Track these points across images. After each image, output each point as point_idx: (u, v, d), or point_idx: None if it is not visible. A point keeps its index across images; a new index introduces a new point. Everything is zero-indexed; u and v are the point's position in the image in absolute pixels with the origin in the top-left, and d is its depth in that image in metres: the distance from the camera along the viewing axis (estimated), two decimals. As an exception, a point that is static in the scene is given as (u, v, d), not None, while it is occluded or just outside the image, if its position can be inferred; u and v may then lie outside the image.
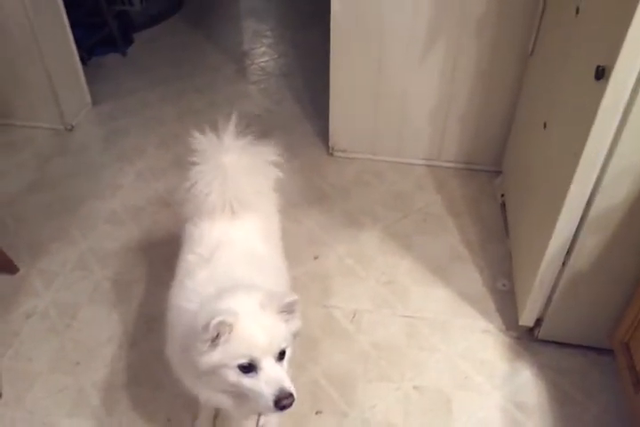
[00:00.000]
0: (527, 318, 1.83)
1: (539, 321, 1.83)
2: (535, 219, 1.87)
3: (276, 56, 3.67)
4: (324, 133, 2.79)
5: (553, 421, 1.65)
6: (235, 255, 1.44)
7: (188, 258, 1.45)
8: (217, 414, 1.65)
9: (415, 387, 1.75)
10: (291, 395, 1.11)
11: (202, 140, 1.58)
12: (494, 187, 2.51)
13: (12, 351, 1.86)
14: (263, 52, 3.72)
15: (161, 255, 2.18)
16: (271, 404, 1.10)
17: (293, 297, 1.18)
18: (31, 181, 2.58)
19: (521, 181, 2.17)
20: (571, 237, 1.62)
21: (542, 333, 1.83)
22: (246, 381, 1.12)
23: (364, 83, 2.50)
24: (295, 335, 1.23)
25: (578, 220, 1.58)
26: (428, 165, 2.67)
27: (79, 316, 1.97)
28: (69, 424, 1.66)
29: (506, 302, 2.00)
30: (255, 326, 1.13)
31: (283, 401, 1.10)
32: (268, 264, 1.51)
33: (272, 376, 1.12)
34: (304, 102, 3.15)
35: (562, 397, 1.72)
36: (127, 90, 3.25)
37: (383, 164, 2.69)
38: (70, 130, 2.90)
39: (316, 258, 2.21)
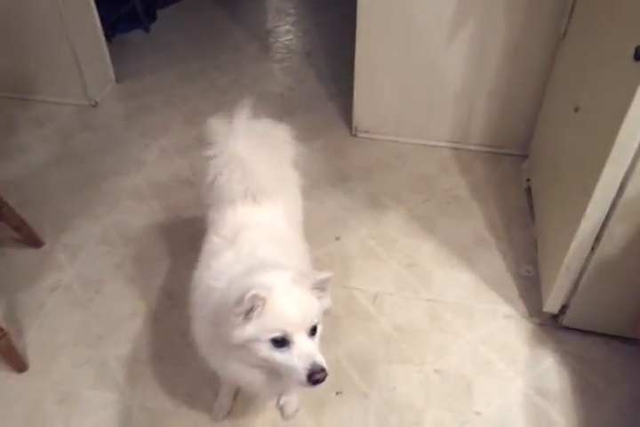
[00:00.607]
0: (552, 305, 1.81)
1: (563, 308, 1.81)
2: (563, 204, 1.84)
3: (299, 34, 3.63)
4: (347, 114, 2.76)
5: (574, 408, 1.64)
6: (258, 237, 1.44)
7: (213, 240, 1.46)
8: (237, 393, 1.67)
9: (436, 370, 1.74)
10: (323, 369, 1.11)
11: (215, 131, 1.57)
12: (520, 171, 2.47)
13: (38, 324, 1.88)
14: (287, 30, 3.68)
15: (183, 232, 2.19)
16: (304, 378, 1.10)
17: (326, 275, 1.18)
18: (55, 156, 2.59)
19: (549, 166, 2.13)
20: (601, 223, 1.59)
21: (566, 320, 1.81)
22: (278, 355, 1.13)
23: (390, 62, 2.46)
24: (326, 313, 1.22)
25: (609, 205, 1.54)
26: (453, 148, 2.64)
27: (102, 290, 1.99)
28: (93, 396, 1.69)
29: (529, 288, 1.98)
30: (288, 301, 1.13)
31: (316, 375, 1.10)
32: (290, 246, 1.50)
33: (304, 351, 1.12)
34: (327, 82, 3.12)
35: (584, 384, 1.70)
36: (151, 67, 3.24)
37: (407, 145, 2.66)
38: (94, 106, 2.90)
39: (337, 239, 2.20)
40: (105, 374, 1.74)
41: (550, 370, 1.74)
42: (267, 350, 1.13)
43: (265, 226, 1.49)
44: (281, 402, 1.65)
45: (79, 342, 1.83)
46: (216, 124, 1.56)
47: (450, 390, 1.69)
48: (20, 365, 1.73)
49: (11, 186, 2.25)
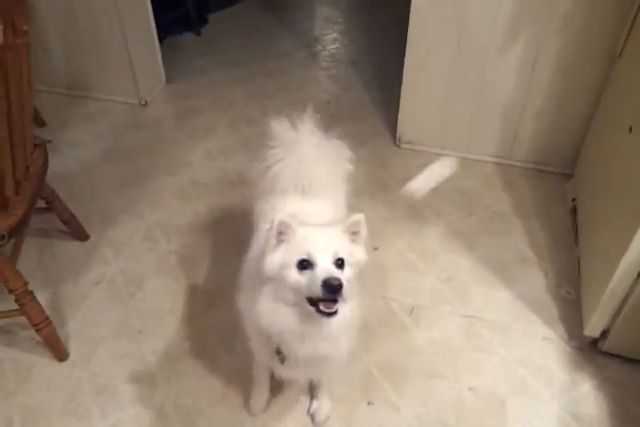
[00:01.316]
0: (593, 329, 1.78)
1: (604, 333, 1.77)
2: (611, 226, 1.80)
3: (346, 43, 3.65)
4: (391, 124, 2.77)
5: (611, 435, 1.61)
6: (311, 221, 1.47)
7: (264, 227, 1.48)
8: (270, 396, 1.68)
9: (470, 388, 1.73)
10: (337, 278, 1.13)
11: (279, 125, 1.62)
12: (565, 190, 2.44)
13: (80, 315, 1.93)
14: (334, 38, 3.70)
15: (225, 234, 2.22)
16: (320, 288, 1.13)
17: (358, 216, 1.25)
18: (105, 152, 2.66)
19: (597, 186, 2.09)
20: (650, 249, 1.56)
21: (607, 345, 1.78)
22: (302, 278, 1.18)
23: (439, 72, 2.46)
24: (359, 266, 1.26)
25: (660, 231, 1.52)
26: (498, 163, 2.61)
27: (144, 286, 2.03)
28: (130, 389, 1.72)
29: (569, 310, 1.95)
30: (315, 229, 1.24)
31: (329, 281, 1.13)
32: None
33: (324, 268, 1.16)
34: (372, 91, 3.13)
35: (622, 413, 1.66)
36: (200, 70, 3.29)
37: (451, 159, 2.65)
38: (144, 105, 2.97)
39: (375, 249, 2.20)
40: (142, 368, 1.78)
41: (587, 395, 1.71)
42: (294, 275, 1.18)
43: (315, 216, 1.51)
44: (312, 409, 1.66)
45: (119, 335, 1.87)
46: (283, 124, 1.62)
47: (483, 409, 1.68)
48: (61, 353, 1.78)
49: (62, 180, 2.32)
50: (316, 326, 1.24)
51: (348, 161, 1.68)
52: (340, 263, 1.20)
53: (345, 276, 1.18)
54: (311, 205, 1.56)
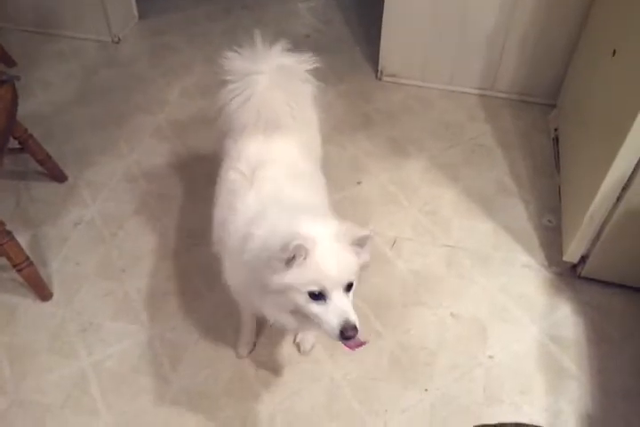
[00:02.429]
0: (572, 255, 1.80)
1: (583, 258, 1.80)
2: (591, 153, 1.79)
3: (327, -26, 3.48)
4: (372, 57, 2.69)
5: (588, 357, 1.65)
6: (277, 174, 1.43)
7: (230, 176, 1.45)
8: (258, 329, 1.70)
9: (452, 314, 1.76)
10: (355, 327, 1.14)
11: (234, 58, 1.55)
12: (548, 120, 2.41)
13: (62, 256, 1.92)
14: (314, -31, 3.53)
15: (204, 172, 2.19)
16: (337, 332, 1.13)
17: (367, 232, 1.19)
18: (78, 92, 2.57)
19: (579, 115, 2.06)
20: (629, 172, 1.55)
21: (586, 270, 1.81)
22: (315, 307, 1.15)
23: (420, 4, 2.37)
24: (363, 268, 1.23)
25: (639, 154, 1.50)
26: (481, 95, 2.57)
27: (125, 226, 2.01)
28: (114, 327, 1.74)
29: (550, 238, 1.96)
30: (330, 257, 1.14)
31: (348, 332, 1.13)
32: (310, 182, 1.49)
33: (340, 307, 1.14)
34: (353, 24, 3.02)
35: (599, 335, 1.71)
36: (174, 4, 3.15)
37: (433, 91, 2.60)
38: (117, 42, 2.85)
39: (358, 183, 2.19)
40: (126, 306, 1.79)
41: (566, 319, 1.75)
42: (303, 301, 1.15)
43: (281, 162, 1.48)
44: (298, 338, 1.69)
45: (102, 274, 1.87)
46: (240, 53, 1.54)
47: (464, 334, 1.71)
48: (44, 293, 1.78)
49: (35, 120, 2.25)
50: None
51: (312, 79, 1.59)
52: (349, 285, 1.17)
53: (351, 297, 1.18)
54: (278, 146, 1.50)
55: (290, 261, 1.12)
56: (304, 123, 1.59)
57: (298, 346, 1.68)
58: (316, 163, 1.63)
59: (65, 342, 1.70)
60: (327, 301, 1.14)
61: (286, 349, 1.69)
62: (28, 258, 1.71)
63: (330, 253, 1.14)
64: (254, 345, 1.69)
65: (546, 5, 2.23)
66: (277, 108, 1.51)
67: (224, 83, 1.55)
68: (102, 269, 1.89)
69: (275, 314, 1.25)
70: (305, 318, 1.21)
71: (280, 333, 1.69)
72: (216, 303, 1.78)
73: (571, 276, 1.85)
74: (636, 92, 1.45)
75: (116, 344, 1.69)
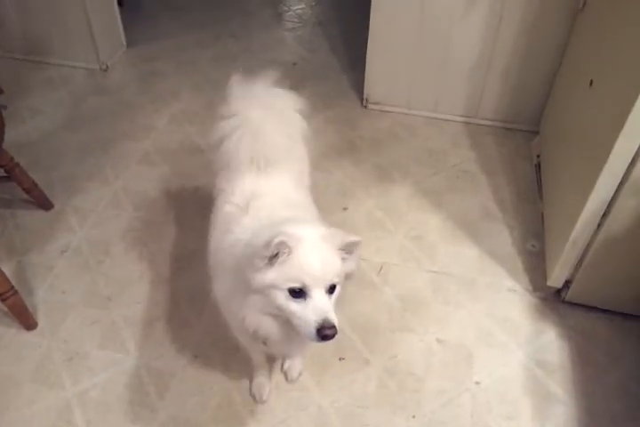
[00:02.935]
0: (556, 280, 1.82)
1: (567, 283, 1.82)
2: (572, 180, 1.83)
3: (312, 3, 3.58)
4: (358, 85, 2.74)
5: (574, 381, 1.66)
6: (272, 202, 1.44)
7: (226, 209, 1.46)
8: (271, 368, 1.69)
9: (438, 340, 1.77)
10: (333, 326, 1.13)
11: (233, 94, 1.56)
12: (531, 147, 2.46)
13: (47, 284, 1.91)
14: (299, -2, 3.63)
15: (191, 198, 2.21)
16: (313, 331, 1.12)
17: (356, 238, 1.19)
18: (66, 119, 2.59)
19: (559, 141, 2.11)
20: (609, 199, 1.59)
21: (570, 295, 1.83)
22: (294, 305, 1.14)
23: (404, 33, 2.43)
24: (348, 277, 1.24)
25: (618, 181, 1.54)
26: (465, 122, 2.62)
27: (111, 253, 2.01)
28: (101, 355, 1.72)
29: (534, 262, 1.99)
30: (313, 255, 1.14)
31: (325, 331, 1.12)
32: (304, 211, 1.51)
33: (319, 305, 1.13)
34: (339, 52, 3.09)
35: (585, 359, 1.72)
36: (162, 32, 3.21)
37: (418, 118, 2.65)
38: (105, 70, 2.89)
39: (345, 209, 2.21)
40: (113, 334, 1.78)
41: (551, 344, 1.76)
42: (283, 299, 1.14)
43: (275, 193, 1.50)
44: (285, 366, 1.69)
45: (88, 302, 1.86)
46: (236, 88, 1.56)
47: (451, 360, 1.72)
48: (29, 322, 1.76)
49: (22, 148, 2.27)
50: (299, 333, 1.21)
51: (302, 116, 1.62)
52: (332, 287, 1.17)
53: (333, 300, 1.17)
54: (271, 181, 1.52)
55: (272, 259, 1.12)
56: (295, 156, 1.61)
57: (285, 374, 1.68)
58: (308, 193, 1.65)
59: (50, 372, 1.68)
60: (307, 299, 1.14)
61: (274, 376, 1.68)
62: (12, 287, 1.70)
63: (313, 251, 1.14)
64: (270, 387, 1.65)
65: (526, 37, 2.30)
66: (271, 148, 1.52)
67: (217, 119, 1.56)
68: (88, 297, 1.88)
69: (256, 319, 1.23)
70: (287, 325, 1.20)
71: (268, 360, 1.68)
72: (204, 330, 1.77)
73: (555, 300, 1.87)
74: (613, 122, 1.49)
75: (101, 373, 1.68)
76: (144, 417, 1.59)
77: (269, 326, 1.23)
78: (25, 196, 2.09)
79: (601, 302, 1.83)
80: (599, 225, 1.65)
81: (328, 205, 2.20)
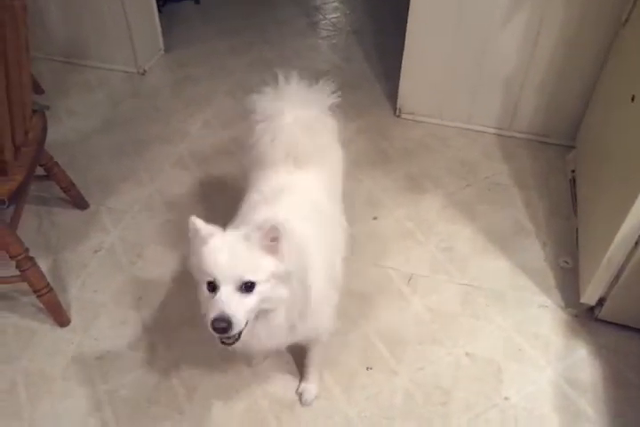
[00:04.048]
0: (589, 297, 1.79)
1: (601, 301, 1.79)
2: (610, 196, 1.81)
3: (347, 12, 3.60)
4: (391, 94, 2.74)
5: (606, 401, 1.64)
6: (296, 201, 1.47)
7: (253, 197, 1.49)
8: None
9: (467, 353, 1.75)
10: (225, 321, 1.12)
11: (265, 97, 1.60)
12: (565, 162, 2.43)
13: (80, 282, 1.94)
14: (335, 7, 3.65)
15: (223, 202, 2.21)
16: (209, 324, 1.13)
17: (271, 223, 1.16)
18: (104, 121, 2.64)
19: (597, 157, 2.09)
20: (648, 218, 1.56)
21: (603, 313, 1.80)
22: (206, 298, 1.18)
23: (441, 44, 2.43)
24: (289, 278, 1.20)
25: (658, 200, 1.52)
26: (498, 134, 2.60)
27: (144, 254, 2.04)
28: (130, 355, 1.74)
29: (567, 279, 1.96)
30: (222, 250, 1.16)
31: (215, 323, 1.12)
32: (327, 218, 1.53)
33: (220, 299, 1.14)
34: (373, 61, 3.09)
35: (618, 378, 1.69)
36: (198, 38, 3.25)
37: (451, 129, 2.64)
38: (143, 74, 2.94)
39: (374, 219, 2.21)
40: (142, 334, 1.80)
41: (583, 362, 1.73)
42: (205, 291, 1.18)
43: (304, 192, 1.52)
44: (300, 389, 1.67)
45: (119, 302, 1.89)
46: (267, 91, 1.60)
47: (479, 374, 1.70)
48: (63, 319, 1.80)
49: (60, 148, 2.30)
50: (259, 324, 1.23)
51: (337, 116, 1.66)
52: (248, 285, 1.15)
53: (253, 300, 1.15)
54: (303, 178, 1.54)
55: (191, 244, 1.19)
56: (328, 159, 1.63)
57: (300, 396, 1.65)
58: (337, 199, 1.66)
59: (81, 369, 1.70)
60: (217, 293, 1.15)
61: (290, 396, 1.67)
62: (48, 284, 1.73)
63: (224, 247, 1.17)
64: (266, 357, 1.70)
65: (564, 48, 2.28)
66: (303, 145, 1.55)
67: (251, 122, 1.60)
68: (120, 296, 1.90)
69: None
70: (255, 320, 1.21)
71: (296, 367, 1.68)
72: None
73: (588, 318, 1.84)
74: (656, 139, 1.47)
75: (131, 373, 1.70)
76: (172, 418, 1.60)
77: None
78: (62, 195, 2.13)
79: (635, 320, 1.79)
80: (636, 243, 1.62)
81: (358, 213, 2.20)
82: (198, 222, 1.19)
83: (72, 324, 1.81)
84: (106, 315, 1.85)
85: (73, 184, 2.10)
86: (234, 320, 1.13)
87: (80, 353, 1.74)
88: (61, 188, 2.08)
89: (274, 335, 1.30)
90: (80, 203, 2.17)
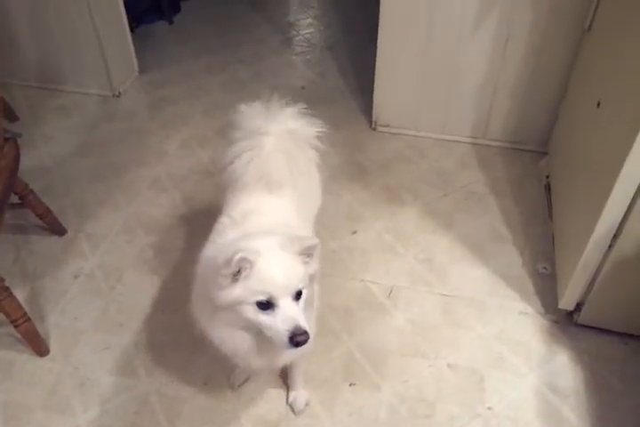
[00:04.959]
0: (567, 302, 1.80)
1: (579, 305, 1.80)
2: (582, 201, 1.83)
3: (321, 28, 3.63)
4: (367, 108, 2.77)
5: (588, 406, 1.64)
6: (265, 222, 1.45)
7: (222, 220, 1.49)
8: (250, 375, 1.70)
9: (449, 365, 1.75)
10: (305, 332, 1.14)
11: (247, 116, 1.59)
12: (539, 168, 2.46)
13: (60, 310, 1.93)
14: (309, 23, 3.68)
15: (203, 223, 2.17)
16: (286, 339, 1.14)
17: (314, 241, 1.21)
18: (79, 146, 2.63)
19: (568, 162, 2.11)
20: (619, 220, 1.58)
21: (582, 317, 1.81)
22: (263, 318, 1.16)
23: (412, 56, 2.45)
24: (312, 278, 1.25)
25: (628, 202, 1.53)
26: (473, 143, 2.63)
27: (123, 279, 2.03)
28: (111, 382, 1.73)
29: (545, 285, 1.97)
30: (275, 265, 1.17)
31: (297, 337, 1.13)
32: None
33: (288, 314, 1.15)
34: (348, 76, 3.12)
35: (599, 383, 1.70)
36: (173, 58, 3.27)
37: (427, 140, 2.66)
38: (118, 97, 2.94)
39: (354, 233, 2.21)
40: (124, 360, 1.78)
41: (564, 367, 1.74)
42: (252, 313, 1.16)
43: (274, 214, 1.51)
44: (290, 399, 1.67)
45: (99, 328, 1.87)
46: (249, 110, 1.59)
47: (462, 385, 1.70)
48: (41, 349, 1.78)
49: (36, 174, 2.31)
50: (263, 342, 1.24)
51: (315, 143, 1.64)
52: (299, 293, 1.18)
53: (301, 305, 1.18)
54: (275, 201, 1.53)
55: (235, 276, 1.14)
56: (304, 182, 1.62)
57: (291, 407, 1.65)
58: (310, 222, 1.65)
59: (61, 398, 1.69)
60: (275, 309, 1.15)
61: (281, 408, 1.67)
62: (25, 314, 1.72)
63: (274, 262, 1.17)
64: (248, 377, 1.69)
65: (533, 57, 2.32)
66: (279, 172, 1.54)
67: (231, 139, 1.59)
68: (100, 322, 1.89)
69: (227, 334, 1.25)
70: (260, 338, 1.22)
71: (274, 391, 1.68)
72: (214, 356, 1.76)
73: (567, 323, 1.85)
74: (621, 143, 1.49)
75: (113, 400, 1.68)
76: (154, 444, 1.59)
77: (240, 340, 1.24)
78: (38, 222, 2.12)
79: (614, 324, 1.80)
80: (610, 246, 1.64)
81: (337, 228, 2.21)
82: (244, 249, 1.14)
83: (52, 352, 1.80)
84: (86, 342, 1.83)
85: (49, 211, 2.10)
86: (307, 329, 1.15)
87: (60, 382, 1.72)
88: (37, 215, 2.07)
89: (278, 353, 1.31)
90: (57, 229, 2.16)
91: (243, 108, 1.61)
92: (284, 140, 1.57)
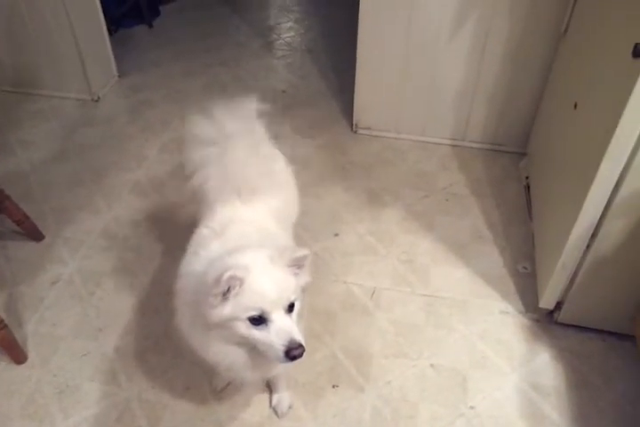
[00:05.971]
0: (547, 301, 1.82)
1: (559, 304, 1.82)
2: (560, 201, 1.84)
3: (302, 31, 3.64)
4: (348, 110, 2.77)
5: (569, 403, 1.65)
6: (246, 231, 1.44)
7: (202, 231, 1.46)
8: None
9: (432, 365, 1.76)
10: (300, 345, 1.13)
11: (201, 125, 1.54)
12: (519, 169, 2.48)
13: (38, 316, 1.90)
14: (289, 27, 3.69)
15: (183, 228, 2.17)
16: (282, 354, 1.13)
17: (304, 252, 1.20)
18: (58, 150, 2.60)
19: (547, 163, 2.14)
20: (596, 221, 1.59)
21: (562, 316, 1.82)
22: (257, 333, 1.15)
23: (392, 58, 2.47)
24: (304, 289, 1.24)
25: (605, 202, 1.55)
26: (453, 145, 2.64)
27: (103, 284, 2.00)
28: (92, 388, 1.70)
29: (526, 284, 1.99)
30: (265, 280, 1.15)
31: (293, 351, 1.13)
32: (278, 241, 1.50)
33: (282, 328, 1.14)
34: (329, 79, 3.13)
35: (579, 380, 1.71)
36: (153, 62, 3.25)
37: (407, 142, 2.67)
38: (97, 101, 2.92)
39: (336, 235, 2.21)
40: (104, 366, 1.76)
41: (546, 366, 1.75)
42: (245, 329, 1.15)
43: (253, 222, 1.49)
44: (274, 402, 1.66)
45: (79, 334, 1.85)
46: (201, 124, 1.53)
47: (445, 385, 1.71)
48: (19, 356, 1.75)
49: (13, 179, 2.28)
50: (256, 354, 1.23)
51: (271, 140, 1.62)
52: (291, 305, 1.18)
53: (294, 316, 1.18)
54: (251, 210, 1.50)
55: (226, 294, 1.13)
56: (277, 183, 1.59)
57: (275, 410, 1.64)
58: (289, 226, 1.63)
59: (40, 406, 1.66)
60: (269, 324, 1.14)
61: (264, 411, 1.65)
62: (2, 321, 1.68)
63: (264, 276, 1.15)
64: (229, 384, 1.67)
65: (511, 59, 2.34)
66: (248, 176, 1.50)
67: (188, 148, 1.55)
68: (79, 328, 1.86)
69: (222, 352, 1.23)
70: (253, 352, 1.21)
71: (257, 394, 1.67)
72: (195, 361, 1.75)
73: (548, 322, 1.87)
74: (597, 144, 1.51)
75: (93, 406, 1.66)
76: (136, 451, 1.56)
77: (234, 357, 1.23)
78: (16, 227, 2.09)
79: (594, 322, 1.82)
80: (588, 246, 1.65)
81: (319, 231, 2.20)
82: (233, 266, 1.12)
83: (30, 360, 1.77)
84: (65, 348, 1.81)
85: (27, 216, 2.07)
86: (303, 342, 1.14)
87: (39, 389, 1.69)
88: (14, 221, 2.04)
89: (272, 365, 1.30)
90: (35, 235, 2.13)
91: (194, 117, 1.55)
92: (248, 143, 1.52)
